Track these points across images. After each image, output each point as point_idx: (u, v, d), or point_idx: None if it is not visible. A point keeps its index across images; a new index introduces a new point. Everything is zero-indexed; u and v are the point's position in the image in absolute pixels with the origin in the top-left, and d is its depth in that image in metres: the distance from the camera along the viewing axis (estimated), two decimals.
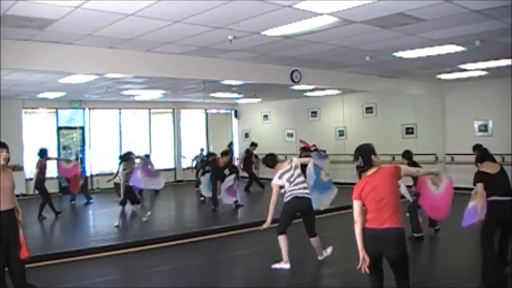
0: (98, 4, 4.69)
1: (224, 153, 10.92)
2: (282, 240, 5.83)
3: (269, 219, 5.77)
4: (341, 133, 14.81)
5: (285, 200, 5.88)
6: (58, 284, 5.51)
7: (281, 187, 5.88)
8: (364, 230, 3.57)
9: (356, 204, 3.63)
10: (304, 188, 5.89)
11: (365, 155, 3.67)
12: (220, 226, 8.49)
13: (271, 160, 6.13)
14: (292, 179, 5.84)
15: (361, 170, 3.68)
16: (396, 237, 3.55)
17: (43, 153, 10.12)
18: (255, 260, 6.71)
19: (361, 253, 3.53)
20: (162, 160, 15.86)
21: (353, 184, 3.79)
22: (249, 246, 7.43)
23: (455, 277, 5.41)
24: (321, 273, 5.95)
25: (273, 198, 5.83)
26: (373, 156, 3.68)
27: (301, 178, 5.92)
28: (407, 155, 7.69)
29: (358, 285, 5.35)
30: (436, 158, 12.32)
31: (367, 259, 3.50)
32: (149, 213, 9.53)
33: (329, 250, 6.18)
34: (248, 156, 13.96)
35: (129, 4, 4.73)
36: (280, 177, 5.86)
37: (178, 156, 16.72)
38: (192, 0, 4.66)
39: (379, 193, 3.55)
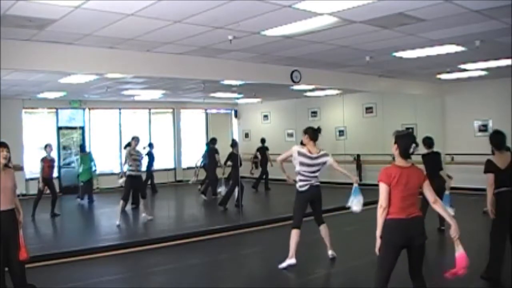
0: (98, 4, 4.69)
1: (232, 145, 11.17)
2: (295, 235, 5.81)
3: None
4: (341, 133, 14.81)
5: (303, 189, 5.80)
6: (58, 284, 5.51)
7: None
8: (389, 222, 3.61)
9: (385, 189, 3.62)
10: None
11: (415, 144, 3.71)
12: (220, 226, 8.49)
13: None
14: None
15: (406, 156, 3.68)
16: (423, 224, 3.74)
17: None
18: (256, 260, 6.72)
19: (379, 241, 3.65)
20: (162, 160, 15.86)
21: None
22: (250, 246, 7.44)
23: (455, 277, 5.41)
24: (322, 272, 5.95)
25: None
26: None
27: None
28: (429, 141, 7.63)
29: (359, 284, 5.37)
30: None
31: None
32: (144, 214, 9.48)
33: (329, 252, 6.15)
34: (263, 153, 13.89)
35: (129, 4, 4.73)
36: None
37: (178, 156, 16.72)
38: (192, 0, 4.66)
39: (410, 188, 3.64)
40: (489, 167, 4.93)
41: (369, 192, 6.22)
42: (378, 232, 3.64)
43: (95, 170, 12.13)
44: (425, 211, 7.33)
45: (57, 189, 13.29)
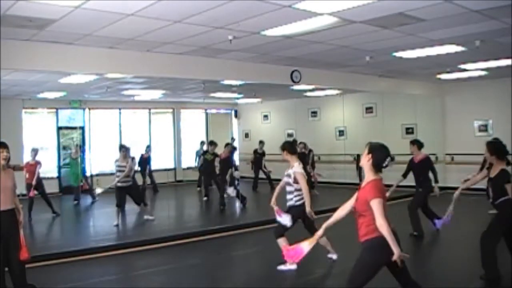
0: (98, 4, 4.70)
1: (226, 144, 11.16)
2: (283, 242, 5.75)
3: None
4: (341, 133, 14.82)
5: (299, 203, 5.73)
6: (58, 284, 5.51)
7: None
8: (380, 240, 3.35)
9: (382, 204, 3.34)
10: None
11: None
12: (220, 226, 8.49)
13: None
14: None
15: (379, 169, 3.45)
16: None
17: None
18: (256, 260, 6.72)
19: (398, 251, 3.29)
20: (162, 160, 15.86)
21: (353, 184, 3.73)
22: (250, 246, 7.44)
23: (454, 277, 5.41)
24: (322, 273, 5.95)
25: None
26: None
27: None
28: (418, 143, 7.58)
29: None
30: (436, 158, 12.31)
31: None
32: (145, 217, 9.50)
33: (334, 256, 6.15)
34: (259, 156, 13.93)
35: (129, 4, 4.73)
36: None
37: (178, 156, 16.72)
38: (192, 0, 4.66)
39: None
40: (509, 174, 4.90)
41: None
42: (397, 248, 3.27)
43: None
44: (416, 211, 7.38)
45: (57, 189, 13.40)
